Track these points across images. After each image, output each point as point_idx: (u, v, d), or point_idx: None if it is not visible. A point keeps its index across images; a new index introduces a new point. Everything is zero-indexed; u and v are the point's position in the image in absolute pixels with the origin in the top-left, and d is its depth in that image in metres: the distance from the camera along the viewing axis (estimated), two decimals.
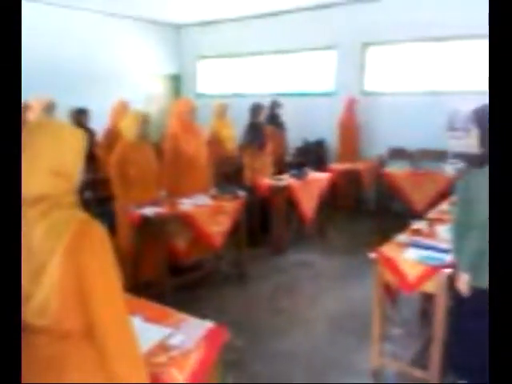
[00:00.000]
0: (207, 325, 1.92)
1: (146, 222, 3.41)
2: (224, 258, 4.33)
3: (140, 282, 3.50)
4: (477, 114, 2.37)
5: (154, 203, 3.55)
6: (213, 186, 4.22)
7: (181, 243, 3.69)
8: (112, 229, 3.61)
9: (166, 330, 1.84)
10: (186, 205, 3.63)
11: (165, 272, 3.48)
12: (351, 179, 6.35)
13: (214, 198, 3.91)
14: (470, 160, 2.42)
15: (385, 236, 2.95)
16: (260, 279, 4.21)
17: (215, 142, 5.46)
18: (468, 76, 6.08)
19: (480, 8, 5.67)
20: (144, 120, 3.63)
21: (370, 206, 6.57)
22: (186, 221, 3.57)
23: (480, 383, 2.35)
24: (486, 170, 2.21)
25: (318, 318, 3.49)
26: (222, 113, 5.74)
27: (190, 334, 1.85)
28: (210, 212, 3.70)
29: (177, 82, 9.21)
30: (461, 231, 2.32)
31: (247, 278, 4.17)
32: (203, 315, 2.00)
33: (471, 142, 2.36)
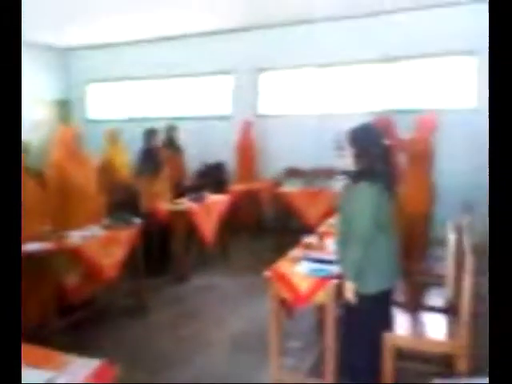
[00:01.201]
0: (94, 363, 1.83)
1: (28, 259, 3.12)
2: (121, 290, 4.12)
3: (25, 326, 3.18)
4: (350, 134, 2.56)
5: (38, 238, 3.27)
6: (106, 216, 4.03)
7: (71, 279, 3.44)
8: None
9: (47, 374, 1.72)
10: (75, 238, 3.41)
11: (52, 312, 3.21)
12: (251, 199, 6.50)
13: (106, 228, 3.72)
14: (351, 176, 2.60)
15: (284, 252, 3.04)
16: (161, 308, 4.08)
17: (108, 169, 5.25)
18: (353, 98, 6.62)
19: (358, 34, 6.28)
20: (22, 149, 3.37)
21: (269, 224, 6.75)
22: (74, 255, 3.34)
23: None
24: (361, 185, 2.41)
25: (221, 341, 3.46)
26: (114, 139, 5.56)
27: (74, 375, 1.76)
28: (102, 243, 3.51)
29: (66, 108, 8.75)
30: (343, 243, 2.48)
31: (147, 309, 4.01)
32: (100, 353, 1.89)
33: (350, 159, 2.55)
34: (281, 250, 3.18)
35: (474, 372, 2.32)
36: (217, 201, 5.35)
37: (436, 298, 2.96)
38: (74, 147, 3.75)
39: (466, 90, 5.95)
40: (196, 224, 4.89)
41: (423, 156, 4.31)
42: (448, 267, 2.90)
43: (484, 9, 5.55)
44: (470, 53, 5.81)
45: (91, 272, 3.50)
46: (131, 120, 8.12)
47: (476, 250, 2.35)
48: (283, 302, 2.78)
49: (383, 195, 2.41)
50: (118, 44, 8.03)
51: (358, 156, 2.47)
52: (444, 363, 2.57)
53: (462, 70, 5.97)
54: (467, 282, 2.27)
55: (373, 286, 2.42)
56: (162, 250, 5.06)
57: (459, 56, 5.94)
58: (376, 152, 2.45)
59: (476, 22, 5.62)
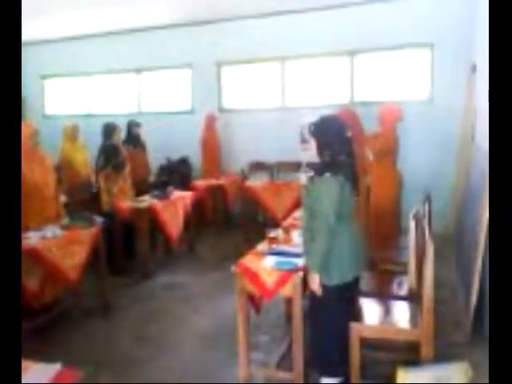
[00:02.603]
0: (55, 368, 1.79)
1: None
2: (84, 292, 4.01)
3: None
4: (313, 127, 2.57)
5: None
6: (65, 215, 3.90)
7: (31, 282, 3.32)
8: None
9: None
10: (33, 239, 3.27)
11: None
12: (217, 194, 6.46)
13: (66, 228, 3.59)
14: (314, 169, 2.61)
15: (250, 247, 3.02)
16: (126, 308, 3.99)
17: (67, 166, 5.08)
18: (316, 92, 6.65)
19: (318, 27, 6.33)
20: None
21: (236, 219, 6.74)
22: (33, 257, 3.21)
23: (338, 376, 2.54)
24: (324, 177, 2.42)
25: (188, 339, 3.41)
26: (73, 135, 5.37)
27: (34, 381, 1.73)
28: (62, 244, 3.39)
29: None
30: (308, 235, 2.49)
31: (112, 309, 3.91)
32: (63, 356, 1.84)
33: (314, 152, 2.55)
34: (248, 245, 3.17)
35: (437, 358, 2.39)
36: (182, 196, 5.28)
37: (402, 287, 3.02)
38: (29, 145, 3.58)
39: (419, 81, 6.09)
40: (160, 221, 4.81)
41: (389, 148, 4.39)
42: (410, 255, 2.97)
43: (438, 2, 5.73)
44: (424, 45, 5.96)
45: (51, 274, 3.39)
46: (90, 116, 7.90)
47: (434, 238, 2.42)
48: (250, 297, 2.77)
49: (346, 187, 2.44)
50: (75, 38, 7.76)
51: (321, 148, 2.49)
52: (410, 351, 2.63)
53: (416, 62, 6.10)
54: (428, 270, 2.33)
55: (337, 278, 2.45)
56: (126, 249, 4.95)
57: (414, 49, 6.08)
58: (338, 144, 2.47)
59: (430, 15, 5.78)
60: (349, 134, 2.67)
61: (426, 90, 6.04)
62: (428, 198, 3.35)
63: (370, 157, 4.33)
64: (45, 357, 1.87)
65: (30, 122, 4.92)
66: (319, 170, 2.48)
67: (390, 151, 4.41)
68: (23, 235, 3.32)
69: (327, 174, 2.40)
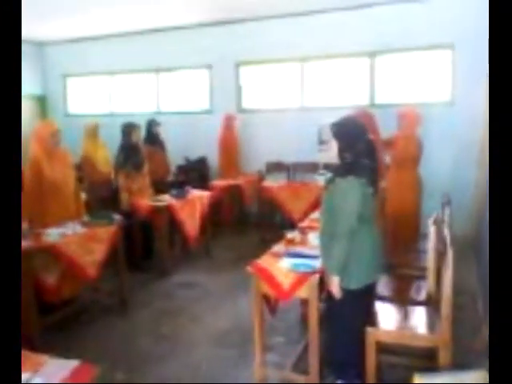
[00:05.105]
0: (72, 364, 1.82)
1: None
2: (102, 288, 4.06)
3: None
4: (333, 128, 2.54)
5: None
6: (85, 213, 3.96)
7: (50, 278, 3.38)
8: None
9: (23, 376, 1.70)
10: (53, 235, 3.33)
11: (32, 312, 3.14)
12: (234, 194, 6.46)
13: (85, 225, 3.65)
14: (334, 170, 2.58)
15: (268, 248, 3.02)
16: (142, 306, 4.03)
17: (88, 164, 5.14)
18: (335, 93, 6.60)
19: (338, 28, 6.29)
20: None
21: (253, 219, 6.74)
22: (53, 253, 3.27)
23: (354, 379, 2.51)
24: (346, 179, 2.38)
25: (203, 339, 3.43)
26: (93, 133, 5.44)
27: (51, 376, 1.76)
28: (82, 241, 3.45)
29: (43, 103, 8.56)
30: (327, 238, 2.46)
31: (128, 307, 3.96)
32: (80, 352, 1.87)
33: (333, 153, 2.52)
34: (264, 246, 3.16)
35: (455, 365, 2.34)
36: (199, 196, 5.30)
37: (420, 292, 2.98)
38: (51, 143, 3.65)
39: (440, 83, 5.99)
40: (178, 220, 4.84)
41: (409, 153, 4.33)
42: (429, 260, 2.92)
43: (459, 2, 5.63)
44: (444, 46, 5.86)
45: (70, 270, 3.44)
46: (112, 115, 8.01)
47: (455, 242, 2.37)
48: (266, 298, 2.76)
49: (367, 189, 2.40)
50: (97, 37, 7.88)
51: (343, 150, 2.44)
52: (427, 357, 2.59)
53: (437, 64, 6.00)
54: (447, 275, 2.29)
55: (356, 281, 2.42)
56: (144, 247, 5.01)
57: (435, 50, 5.98)
58: (361, 146, 2.43)
59: (450, 16, 5.67)
60: (370, 135, 2.63)
61: (447, 92, 5.94)
62: (448, 202, 3.30)
63: (387, 160, 4.27)
64: (62, 352, 1.90)
65: (51, 121, 4.99)
66: (341, 171, 2.44)
67: (411, 156, 4.33)
68: (43, 231, 3.39)
69: (349, 176, 2.36)
